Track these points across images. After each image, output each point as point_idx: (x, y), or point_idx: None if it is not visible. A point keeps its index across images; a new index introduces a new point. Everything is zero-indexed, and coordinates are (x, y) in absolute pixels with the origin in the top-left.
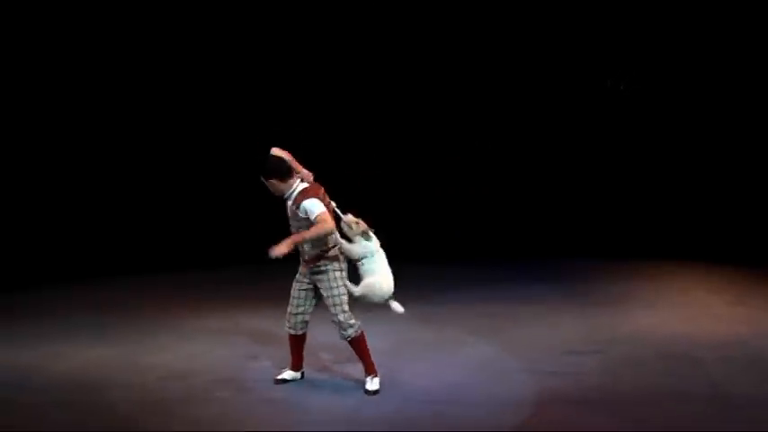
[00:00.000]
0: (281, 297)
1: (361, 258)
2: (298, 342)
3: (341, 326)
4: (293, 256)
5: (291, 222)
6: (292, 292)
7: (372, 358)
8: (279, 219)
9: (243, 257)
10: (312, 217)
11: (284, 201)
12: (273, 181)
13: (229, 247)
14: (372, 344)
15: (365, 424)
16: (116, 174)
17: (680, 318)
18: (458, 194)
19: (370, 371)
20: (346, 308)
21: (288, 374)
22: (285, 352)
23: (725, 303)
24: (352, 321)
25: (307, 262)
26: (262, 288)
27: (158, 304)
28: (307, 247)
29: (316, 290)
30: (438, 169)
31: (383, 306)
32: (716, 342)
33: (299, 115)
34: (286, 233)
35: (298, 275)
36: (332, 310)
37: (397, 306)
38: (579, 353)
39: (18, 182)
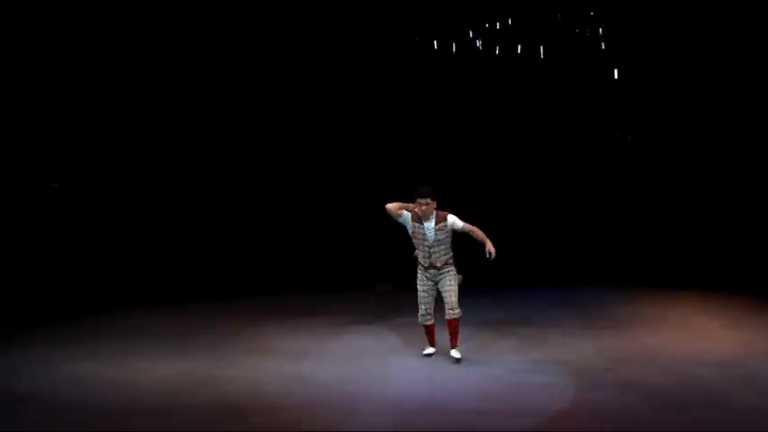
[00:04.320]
0: (336, 322)
1: None
2: (432, 329)
3: (453, 308)
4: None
5: (428, 239)
6: (421, 294)
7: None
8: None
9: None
10: (461, 225)
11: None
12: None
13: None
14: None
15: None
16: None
17: (681, 339)
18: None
19: (456, 344)
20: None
21: (432, 350)
22: (329, 365)
23: (721, 327)
24: (459, 308)
25: (436, 266)
26: (318, 313)
27: (229, 327)
28: (441, 254)
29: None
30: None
31: None
32: (715, 361)
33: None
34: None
35: (423, 280)
36: (449, 297)
37: None
38: (593, 370)
39: (104, 213)
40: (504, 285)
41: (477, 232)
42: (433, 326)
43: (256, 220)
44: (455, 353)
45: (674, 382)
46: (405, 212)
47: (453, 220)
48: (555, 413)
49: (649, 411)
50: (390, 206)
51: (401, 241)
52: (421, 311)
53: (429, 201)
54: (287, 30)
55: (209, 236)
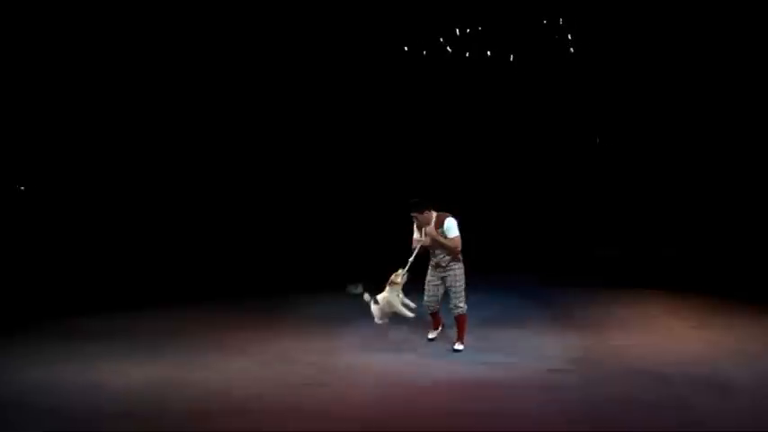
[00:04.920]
0: (307, 324)
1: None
2: (436, 315)
3: (456, 305)
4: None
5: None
6: (428, 286)
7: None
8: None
9: (268, 289)
10: (450, 236)
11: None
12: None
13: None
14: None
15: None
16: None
17: (648, 339)
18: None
19: (461, 338)
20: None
21: (434, 334)
22: (301, 368)
23: (688, 327)
24: (464, 305)
25: (441, 265)
26: (292, 315)
27: (203, 330)
28: (445, 254)
29: (443, 282)
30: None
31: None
32: (680, 361)
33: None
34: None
35: (431, 274)
36: (453, 297)
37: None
38: (561, 370)
39: (84, 214)
40: (474, 285)
41: (447, 245)
42: (435, 313)
43: (236, 223)
44: (457, 345)
45: (639, 382)
46: (416, 235)
47: (449, 226)
48: (522, 413)
49: (615, 411)
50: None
51: (375, 244)
52: (425, 301)
53: (418, 214)
54: (272, 33)
55: (190, 239)
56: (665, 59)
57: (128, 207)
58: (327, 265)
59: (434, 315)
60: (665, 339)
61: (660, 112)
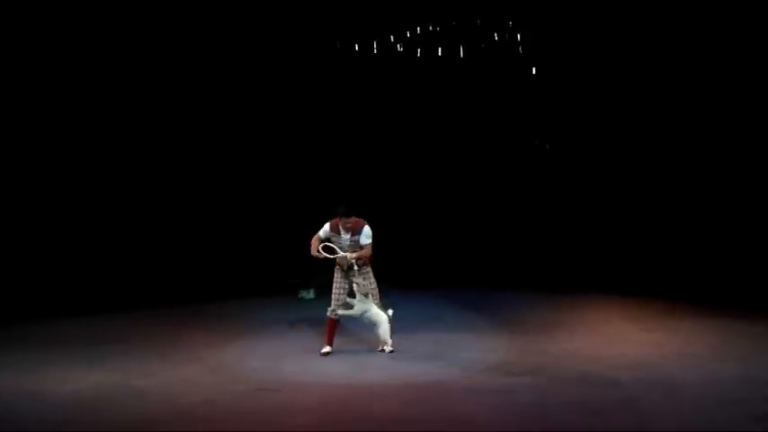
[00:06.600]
0: (259, 329)
1: None
2: (335, 326)
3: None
4: None
5: (343, 248)
6: (337, 290)
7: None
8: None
9: (225, 293)
10: (363, 243)
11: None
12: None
13: (213, 282)
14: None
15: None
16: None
17: (599, 343)
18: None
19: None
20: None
21: (329, 348)
22: (250, 373)
23: (638, 330)
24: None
25: (352, 268)
26: (243, 321)
27: (150, 336)
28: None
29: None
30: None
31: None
32: (630, 364)
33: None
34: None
35: (338, 278)
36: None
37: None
38: (513, 374)
39: (32, 220)
40: (424, 289)
41: (362, 253)
42: (337, 323)
43: (184, 226)
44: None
45: (590, 385)
46: (321, 234)
47: (364, 232)
48: (474, 416)
49: (566, 413)
50: (314, 246)
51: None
52: (333, 306)
53: (347, 219)
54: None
55: (141, 244)
56: (617, 63)
57: (72, 210)
58: (277, 269)
59: (334, 326)
60: (615, 342)
61: (607, 113)
